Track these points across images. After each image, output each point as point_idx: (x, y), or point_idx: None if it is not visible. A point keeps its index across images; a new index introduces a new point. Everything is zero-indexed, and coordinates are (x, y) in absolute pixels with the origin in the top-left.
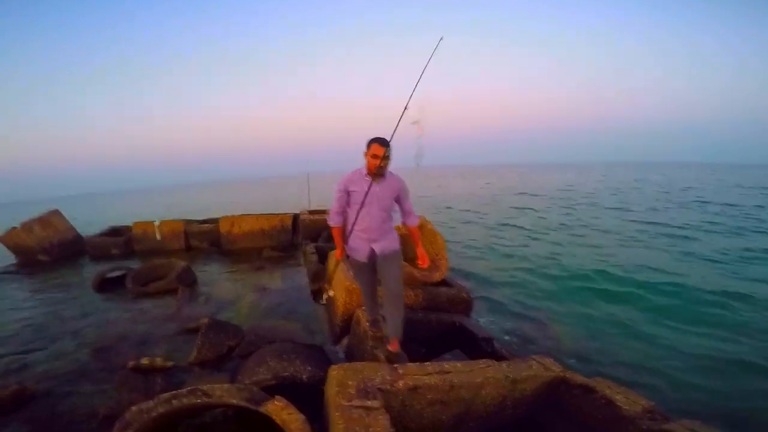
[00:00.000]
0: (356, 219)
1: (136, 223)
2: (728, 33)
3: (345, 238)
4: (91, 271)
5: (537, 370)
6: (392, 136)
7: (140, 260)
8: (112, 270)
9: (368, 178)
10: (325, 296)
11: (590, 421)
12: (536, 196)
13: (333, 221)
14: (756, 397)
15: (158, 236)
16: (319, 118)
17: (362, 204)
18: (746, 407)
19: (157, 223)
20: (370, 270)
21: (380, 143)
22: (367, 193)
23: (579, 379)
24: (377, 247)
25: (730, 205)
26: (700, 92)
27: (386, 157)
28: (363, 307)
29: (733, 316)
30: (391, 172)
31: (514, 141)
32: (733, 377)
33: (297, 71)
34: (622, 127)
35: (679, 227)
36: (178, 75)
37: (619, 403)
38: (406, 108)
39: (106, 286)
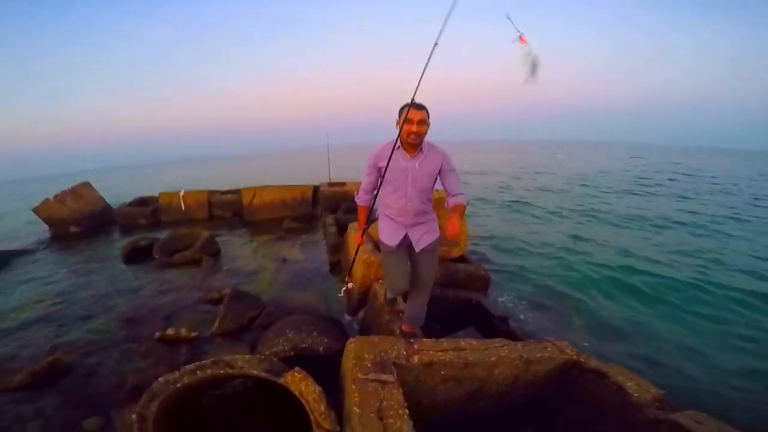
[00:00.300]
0: (389, 200)
1: (162, 194)
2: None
3: (369, 220)
4: (120, 241)
5: (552, 352)
6: (414, 95)
7: (167, 230)
8: (139, 240)
9: (403, 152)
10: (344, 288)
11: (600, 406)
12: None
13: (359, 198)
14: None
15: (183, 206)
16: (338, 89)
17: (395, 183)
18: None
19: (182, 194)
20: (401, 255)
21: (416, 107)
22: (401, 171)
23: (593, 363)
24: (414, 236)
25: None
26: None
27: (423, 122)
28: (381, 281)
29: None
30: (432, 144)
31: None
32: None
33: (313, 40)
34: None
35: None
36: (194, 48)
37: (629, 390)
38: (430, 55)
39: (134, 256)
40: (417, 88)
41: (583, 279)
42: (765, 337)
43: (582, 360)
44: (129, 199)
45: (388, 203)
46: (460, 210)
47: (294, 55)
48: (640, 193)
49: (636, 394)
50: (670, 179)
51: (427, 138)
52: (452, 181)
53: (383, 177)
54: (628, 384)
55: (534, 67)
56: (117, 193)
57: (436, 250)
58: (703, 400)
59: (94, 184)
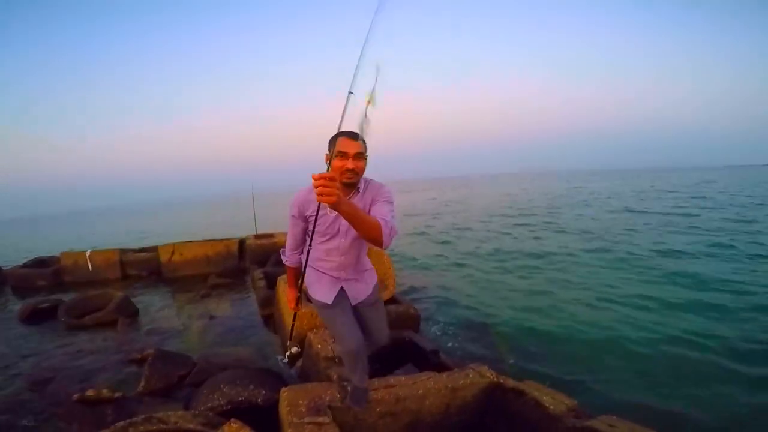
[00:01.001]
0: (320, 254)
1: (64, 253)
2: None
3: (299, 280)
4: (15, 303)
5: (473, 377)
6: (339, 124)
7: (72, 292)
8: (41, 302)
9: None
10: (287, 353)
11: (524, 421)
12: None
13: (286, 259)
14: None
15: (90, 267)
16: (261, 132)
17: (327, 235)
18: (672, 405)
19: (88, 253)
20: (344, 306)
21: (350, 137)
22: (333, 219)
23: (510, 383)
24: (351, 292)
25: None
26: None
27: (360, 156)
28: (314, 330)
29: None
30: (369, 181)
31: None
32: (659, 376)
33: (231, 81)
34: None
35: None
36: (100, 90)
37: (546, 404)
38: (350, 93)
39: (35, 318)
40: (342, 116)
41: (503, 303)
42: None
43: (501, 381)
44: (23, 258)
45: (320, 257)
46: (368, 219)
47: (208, 96)
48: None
49: (552, 407)
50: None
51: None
52: (381, 209)
53: (312, 228)
54: (544, 398)
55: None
56: (7, 249)
57: (379, 302)
58: (614, 404)
59: None
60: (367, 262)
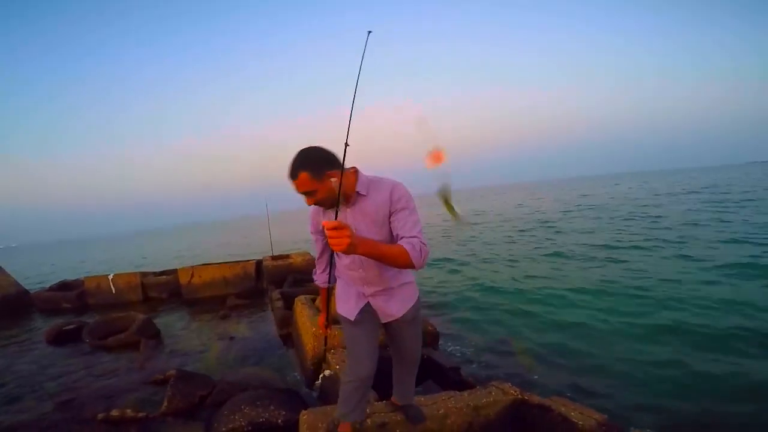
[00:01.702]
0: (342, 268)
1: (87, 278)
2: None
3: (328, 301)
4: (42, 325)
5: (496, 395)
6: (343, 161)
7: (95, 314)
8: (66, 324)
9: (331, 210)
10: (321, 376)
11: None
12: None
13: (316, 278)
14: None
15: (113, 289)
16: (278, 151)
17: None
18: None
19: (111, 277)
20: (368, 327)
21: (290, 177)
22: None
23: (536, 399)
24: (381, 309)
25: None
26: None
27: (308, 194)
28: (333, 350)
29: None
30: (376, 180)
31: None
32: (692, 392)
33: (249, 99)
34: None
35: None
36: (114, 107)
37: (574, 419)
38: (349, 125)
39: (61, 340)
40: (344, 156)
41: (525, 315)
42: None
43: (526, 398)
44: (47, 282)
45: (344, 266)
46: (392, 251)
47: (225, 117)
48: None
49: (580, 422)
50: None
51: (377, 174)
52: (402, 222)
53: (325, 242)
54: (572, 414)
55: (450, 205)
56: (33, 273)
57: (416, 319)
58: (645, 418)
59: (5, 265)
60: (402, 275)
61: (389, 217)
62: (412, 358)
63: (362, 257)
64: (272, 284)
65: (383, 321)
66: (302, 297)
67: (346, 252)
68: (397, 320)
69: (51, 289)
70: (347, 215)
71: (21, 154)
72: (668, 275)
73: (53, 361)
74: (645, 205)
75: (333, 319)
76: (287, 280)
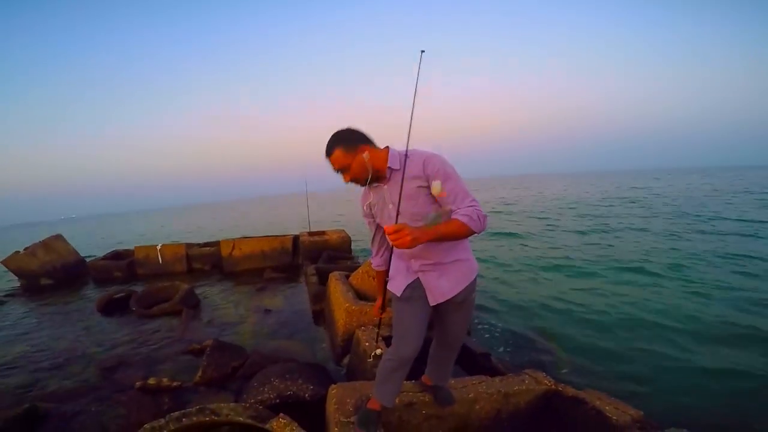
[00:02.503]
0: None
1: (137, 247)
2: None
3: (384, 284)
4: (95, 293)
5: (529, 384)
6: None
7: (143, 283)
8: (116, 292)
9: (375, 185)
10: (372, 354)
11: (583, 431)
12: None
13: (372, 262)
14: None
15: (160, 260)
16: (318, 129)
17: (387, 223)
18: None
19: (159, 247)
20: (417, 307)
21: (326, 154)
22: (382, 206)
23: (570, 391)
24: (431, 285)
25: None
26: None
27: (343, 170)
28: (362, 328)
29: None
30: (410, 153)
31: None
32: (734, 391)
33: (294, 79)
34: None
35: None
36: (168, 93)
37: (608, 414)
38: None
39: (110, 308)
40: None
41: (561, 308)
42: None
43: (560, 389)
44: (103, 250)
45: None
46: (450, 228)
47: (270, 99)
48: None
49: (615, 417)
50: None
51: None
52: (452, 195)
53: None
54: (607, 408)
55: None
56: (93, 244)
57: (468, 301)
58: (684, 417)
59: (66, 234)
60: (456, 251)
61: (426, 188)
62: (456, 343)
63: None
64: (308, 260)
65: (433, 303)
66: (336, 273)
67: (410, 247)
68: (448, 300)
69: (105, 258)
70: (385, 192)
71: (81, 130)
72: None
73: (102, 328)
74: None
75: (362, 294)
76: (322, 256)
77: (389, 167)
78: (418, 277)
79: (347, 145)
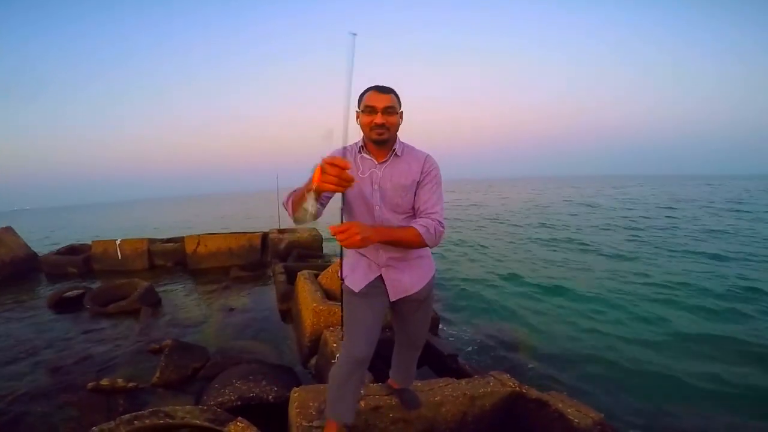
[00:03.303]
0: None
1: (95, 242)
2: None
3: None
4: (46, 290)
5: (494, 386)
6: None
7: (100, 280)
8: (69, 289)
9: (367, 156)
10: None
11: None
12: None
13: (290, 216)
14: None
15: (119, 255)
16: (288, 127)
17: (358, 201)
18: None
19: (118, 242)
20: (372, 303)
21: (379, 90)
22: (365, 182)
23: (533, 393)
24: (393, 284)
25: None
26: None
27: (391, 110)
28: (331, 329)
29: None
30: (411, 146)
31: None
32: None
33: (264, 76)
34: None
35: None
36: (133, 82)
37: (570, 416)
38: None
39: (63, 305)
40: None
41: (526, 306)
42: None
43: (524, 391)
44: (59, 245)
45: None
46: (404, 235)
47: (237, 93)
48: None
49: (576, 420)
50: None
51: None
52: (427, 196)
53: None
54: (569, 410)
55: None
56: (46, 238)
57: (429, 299)
58: (644, 420)
59: (19, 227)
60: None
61: (416, 186)
62: (418, 342)
63: (382, 214)
64: (276, 258)
65: (394, 298)
66: (305, 272)
67: (360, 246)
68: (410, 296)
69: (59, 252)
70: (379, 171)
71: (36, 119)
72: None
73: (52, 326)
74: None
75: (331, 294)
76: (291, 255)
77: (395, 149)
78: (380, 274)
79: (399, 99)
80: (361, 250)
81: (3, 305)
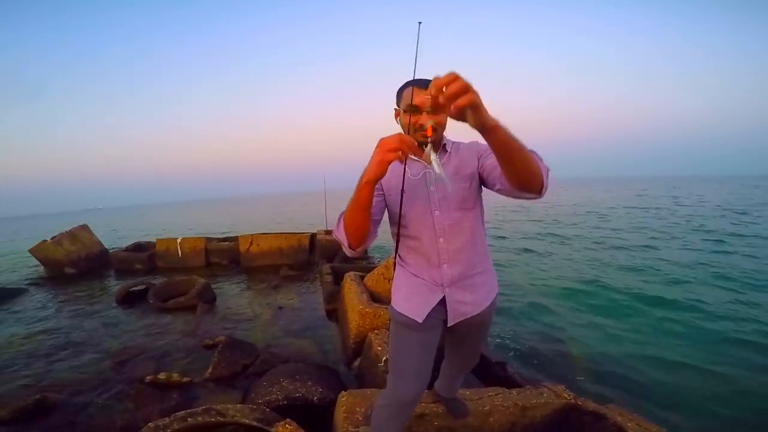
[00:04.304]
0: (408, 244)
1: (159, 240)
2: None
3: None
4: (115, 284)
5: (548, 397)
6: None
7: (162, 276)
8: (135, 284)
9: (415, 159)
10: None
11: None
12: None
13: (348, 247)
14: None
15: (180, 253)
16: (336, 129)
17: (413, 209)
18: None
19: (179, 240)
20: (427, 338)
21: (422, 86)
22: (416, 185)
23: (590, 406)
24: (457, 302)
25: None
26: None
27: (438, 110)
28: (377, 334)
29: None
30: (458, 141)
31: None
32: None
33: (312, 82)
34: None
35: None
36: (195, 91)
37: (630, 431)
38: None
39: (128, 299)
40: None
41: (586, 317)
42: None
43: (579, 403)
44: (127, 241)
45: (412, 248)
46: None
47: (292, 98)
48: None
49: None
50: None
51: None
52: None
53: (389, 203)
54: (628, 424)
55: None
56: (118, 234)
57: (491, 318)
58: None
59: (92, 224)
60: (487, 258)
61: (480, 167)
62: (471, 363)
63: (442, 218)
64: (324, 258)
65: (453, 322)
66: (351, 273)
67: (476, 117)
68: (470, 319)
69: (127, 249)
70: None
71: (112, 123)
72: None
73: (119, 320)
74: None
75: (377, 297)
76: (338, 255)
77: (444, 144)
78: (444, 295)
79: None
80: (419, 270)
81: (78, 299)
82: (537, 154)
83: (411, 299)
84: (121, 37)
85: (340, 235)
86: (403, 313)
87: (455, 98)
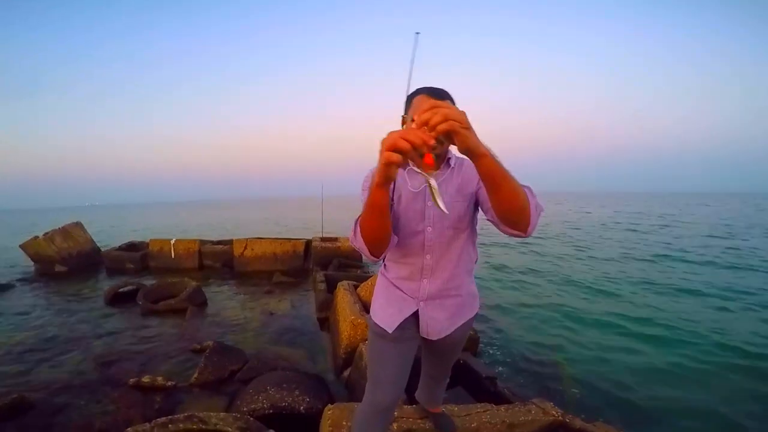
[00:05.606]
0: (396, 255)
1: (152, 240)
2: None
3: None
4: (105, 284)
5: (536, 414)
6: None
7: (154, 276)
8: (125, 285)
9: (417, 170)
10: None
11: None
12: None
13: (371, 255)
14: None
15: (173, 254)
16: (333, 138)
17: (407, 220)
18: None
19: (172, 242)
20: (404, 348)
21: (432, 94)
22: (415, 196)
23: (578, 423)
24: (428, 323)
25: None
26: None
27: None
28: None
29: None
30: (461, 157)
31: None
32: None
33: (307, 84)
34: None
35: None
36: (194, 91)
37: None
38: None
39: (118, 300)
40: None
41: (574, 332)
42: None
43: (567, 420)
44: (120, 240)
45: (395, 259)
46: (520, 187)
47: (291, 101)
48: None
49: None
50: None
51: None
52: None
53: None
54: None
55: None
56: (110, 233)
57: (464, 338)
58: None
59: (85, 222)
60: (469, 279)
61: (475, 191)
62: (445, 373)
63: (436, 233)
64: (318, 265)
65: (424, 335)
66: (345, 283)
67: (463, 144)
68: (447, 338)
69: (119, 248)
70: (440, 180)
71: (114, 121)
72: None
73: (106, 320)
74: None
75: (369, 307)
76: (333, 263)
77: (449, 158)
78: (417, 309)
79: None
80: (399, 281)
81: (66, 297)
82: (531, 190)
83: (386, 309)
84: (117, 37)
85: (359, 244)
86: (377, 322)
87: (435, 127)
